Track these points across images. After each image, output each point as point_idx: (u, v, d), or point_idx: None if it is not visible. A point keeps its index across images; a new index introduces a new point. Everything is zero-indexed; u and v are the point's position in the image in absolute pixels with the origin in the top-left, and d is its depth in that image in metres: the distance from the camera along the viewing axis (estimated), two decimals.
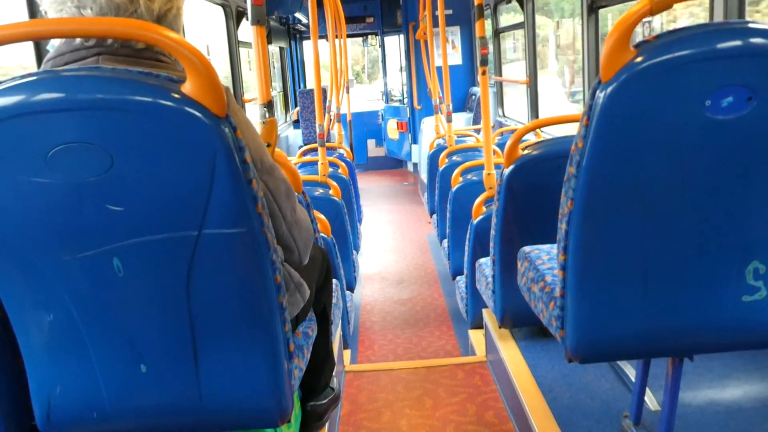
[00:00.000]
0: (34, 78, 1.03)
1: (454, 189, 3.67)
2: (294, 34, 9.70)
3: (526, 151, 2.17)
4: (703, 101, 1.18)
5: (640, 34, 3.54)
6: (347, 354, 3.12)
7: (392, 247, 6.04)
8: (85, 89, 1.01)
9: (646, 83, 1.17)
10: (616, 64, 1.18)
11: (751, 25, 1.18)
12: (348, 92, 7.56)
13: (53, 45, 1.25)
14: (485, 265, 2.66)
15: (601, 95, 1.20)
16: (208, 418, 1.25)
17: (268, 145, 1.89)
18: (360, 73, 24.30)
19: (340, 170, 4.33)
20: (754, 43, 1.16)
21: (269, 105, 1.99)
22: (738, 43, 1.17)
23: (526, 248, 1.87)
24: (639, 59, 1.17)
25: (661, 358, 1.62)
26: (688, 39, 1.18)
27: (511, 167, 2.16)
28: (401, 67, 9.88)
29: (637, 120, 1.20)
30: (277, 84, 8.99)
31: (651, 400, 1.95)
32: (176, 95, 1.01)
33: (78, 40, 1.19)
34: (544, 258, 1.75)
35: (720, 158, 1.24)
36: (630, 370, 2.14)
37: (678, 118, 1.19)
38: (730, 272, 1.35)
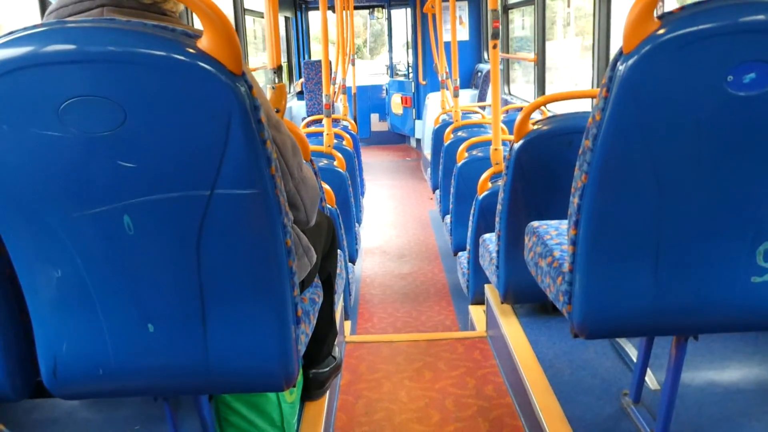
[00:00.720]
0: (45, 29, 1.01)
1: (459, 164, 3.65)
2: (300, 4, 9.57)
3: (536, 126, 2.15)
4: (725, 76, 1.16)
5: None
6: (348, 325, 3.13)
7: (393, 221, 6.03)
8: (97, 41, 0.99)
9: (668, 55, 1.15)
10: (639, 35, 1.15)
11: None
12: (353, 65, 7.49)
13: None
14: (489, 240, 2.66)
15: (621, 67, 1.18)
16: (213, 379, 1.25)
17: (277, 111, 1.87)
18: (361, 48, 22.74)
19: (344, 142, 4.30)
20: None
21: (278, 70, 1.96)
22: (763, 17, 1.14)
23: (534, 223, 1.86)
24: (662, 31, 1.15)
25: (664, 337, 1.62)
26: (712, 11, 1.15)
27: (521, 142, 2.14)
28: (407, 42, 9.77)
29: (658, 93, 1.18)
30: (282, 54, 8.89)
31: (651, 379, 1.96)
32: (192, 50, 0.99)
33: None
34: (553, 233, 1.74)
35: (738, 136, 1.22)
36: (631, 348, 2.15)
37: (699, 92, 1.17)
38: (741, 252, 1.34)
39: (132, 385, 1.27)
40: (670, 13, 1.17)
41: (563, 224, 1.77)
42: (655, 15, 1.16)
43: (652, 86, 1.18)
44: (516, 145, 2.16)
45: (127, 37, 0.99)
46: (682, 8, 1.17)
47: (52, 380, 1.24)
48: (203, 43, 0.99)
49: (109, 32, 1.00)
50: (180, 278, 1.15)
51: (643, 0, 1.15)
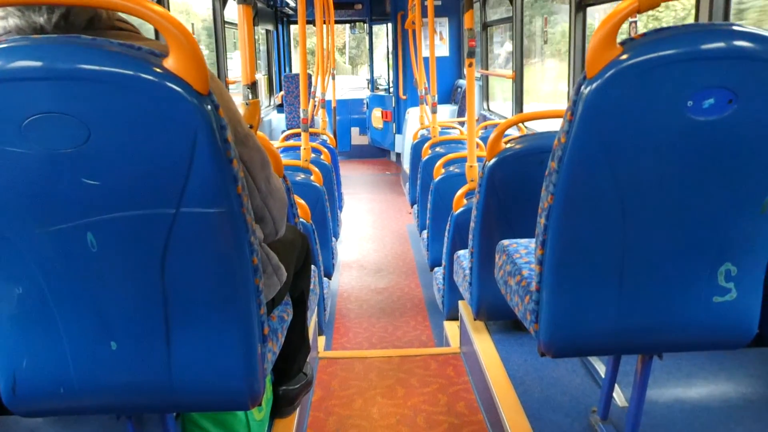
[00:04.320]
0: (11, 44, 1.00)
1: (435, 180, 3.68)
2: (281, 18, 9.60)
3: (509, 145, 2.18)
4: (685, 101, 1.19)
5: (626, 33, 3.56)
6: (321, 340, 3.12)
7: (372, 236, 6.04)
8: (65, 58, 0.98)
9: (630, 81, 1.18)
10: (602, 61, 1.18)
11: (735, 28, 1.19)
12: (333, 78, 7.52)
13: None
14: (463, 257, 2.67)
15: (585, 91, 1.21)
16: (177, 398, 1.24)
17: (251, 127, 1.87)
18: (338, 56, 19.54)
19: (322, 156, 4.31)
20: (738, 45, 1.16)
21: (253, 86, 1.96)
22: (722, 44, 1.17)
23: (505, 242, 1.88)
24: (624, 56, 1.18)
25: (631, 355, 1.64)
26: (672, 38, 1.18)
27: (494, 160, 2.17)
28: (387, 53, 9.83)
29: (620, 117, 1.21)
30: (262, 66, 8.92)
31: (619, 396, 1.98)
32: (158, 70, 0.99)
33: (13, 27, 1.14)
34: (522, 252, 1.76)
35: (699, 159, 1.25)
36: (600, 366, 2.17)
37: (660, 116, 1.20)
38: (703, 273, 1.37)
39: (94, 403, 1.25)
40: (632, 39, 1.20)
41: (533, 243, 1.79)
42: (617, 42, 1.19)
43: (614, 110, 1.21)
44: (489, 164, 2.18)
45: (94, 55, 0.99)
46: (644, 35, 1.20)
47: (12, 397, 1.22)
48: (169, 63, 1.00)
49: (75, 49, 1.00)
50: (144, 296, 1.14)
51: (605, 26, 1.18)
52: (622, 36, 1.20)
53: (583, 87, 1.21)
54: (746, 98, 1.18)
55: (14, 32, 1.15)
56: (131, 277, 1.12)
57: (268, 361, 1.33)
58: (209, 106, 1.02)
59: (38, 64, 0.98)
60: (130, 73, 0.98)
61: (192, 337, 1.18)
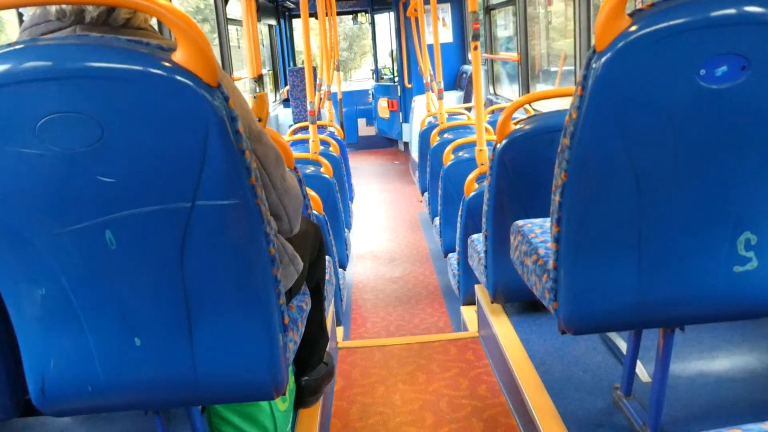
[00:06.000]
0: (20, 47, 1.01)
1: (445, 166, 3.67)
2: (283, 12, 9.59)
3: (518, 126, 2.17)
4: (697, 70, 1.17)
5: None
6: (340, 331, 3.13)
7: (384, 225, 6.04)
8: (73, 57, 0.99)
9: (640, 52, 1.16)
10: (611, 33, 1.17)
11: None
12: (338, 70, 7.51)
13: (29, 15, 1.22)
14: (477, 240, 2.67)
15: (595, 65, 1.19)
16: (203, 391, 1.25)
17: (259, 120, 1.87)
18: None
19: (331, 148, 4.31)
20: (749, 10, 1.15)
21: (259, 79, 1.97)
22: (733, 10, 1.16)
23: (519, 222, 1.87)
24: (633, 28, 1.16)
25: (652, 329, 1.63)
26: (682, 6, 1.16)
27: (504, 142, 2.16)
28: (392, 51, 9.79)
29: (632, 89, 1.20)
30: (266, 62, 8.92)
31: (642, 372, 1.97)
32: (167, 64, 0.99)
33: (54, 11, 1.16)
34: (537, 231, 1.75)
35: (713, 128, 1.23)
36: (621, 342, 2.16)
37: (672, 86, 1.19)
38: (723, 243, 1.36)
39: (121, 399, 1.27)
40: (641, 10, 1.18)
41: (547, 222, 1.79)
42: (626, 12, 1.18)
43: (625, 82, 1.19)
44: (499, 146, 2.18)
45: (102, 53, 0.99)
46: (653, 4, 1.18)
47: (41, 398, 1.23)
48: (178, 57, 1.00)
49: (84, 48, 1.00)
50: (165, 291, 1.15)
51: None
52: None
53: (593, 61, 1.20)
54: (760, 64, 1.17)
55: (53, 16, 1.16)
56: (151, 273, 1.13)
57: (289, 351, 1.33)
58: (219, 98, 1.02)
59: (48, 64, 0.99)
60: (139, 68, 0.99)
61: (214, 329, 1.18)
